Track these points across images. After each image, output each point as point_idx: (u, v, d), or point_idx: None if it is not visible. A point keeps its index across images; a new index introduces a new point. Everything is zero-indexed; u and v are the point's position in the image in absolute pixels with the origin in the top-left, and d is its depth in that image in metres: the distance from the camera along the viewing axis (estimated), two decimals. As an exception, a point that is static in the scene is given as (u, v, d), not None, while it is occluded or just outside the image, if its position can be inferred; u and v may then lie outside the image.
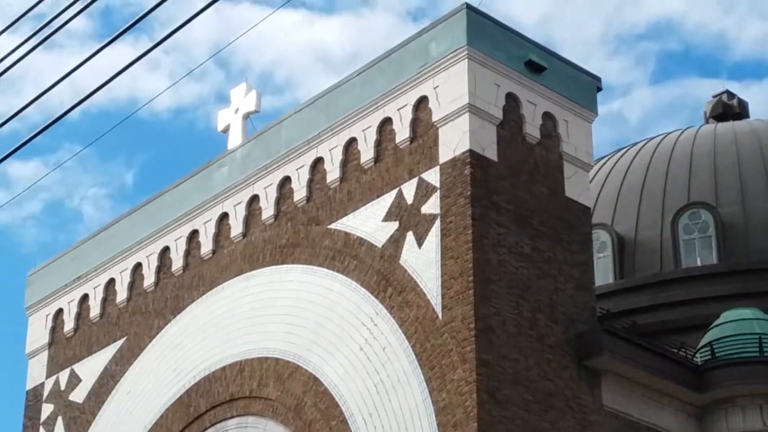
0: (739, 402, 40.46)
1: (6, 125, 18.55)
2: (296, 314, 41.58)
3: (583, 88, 41.97)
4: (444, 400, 36.20)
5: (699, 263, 48.04)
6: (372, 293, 39.37)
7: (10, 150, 18.71)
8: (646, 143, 54.42)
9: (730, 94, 59.19)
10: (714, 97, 59.35)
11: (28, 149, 18.41)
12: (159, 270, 46.86)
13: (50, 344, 50.12)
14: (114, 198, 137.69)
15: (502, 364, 36.71)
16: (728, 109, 57.72)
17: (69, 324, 49.62)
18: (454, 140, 38.49)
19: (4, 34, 18.47)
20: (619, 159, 53.18)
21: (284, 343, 41.48)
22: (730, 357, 41.42)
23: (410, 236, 38.95)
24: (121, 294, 47.91)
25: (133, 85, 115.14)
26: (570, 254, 39.98)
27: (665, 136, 54.38)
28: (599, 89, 42.99)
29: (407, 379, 37.53)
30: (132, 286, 47.66)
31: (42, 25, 17.61)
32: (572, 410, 38.00)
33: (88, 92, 17.56)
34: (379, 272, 39.41)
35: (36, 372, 50.47)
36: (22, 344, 52.33)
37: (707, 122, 57.75)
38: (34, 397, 49.97)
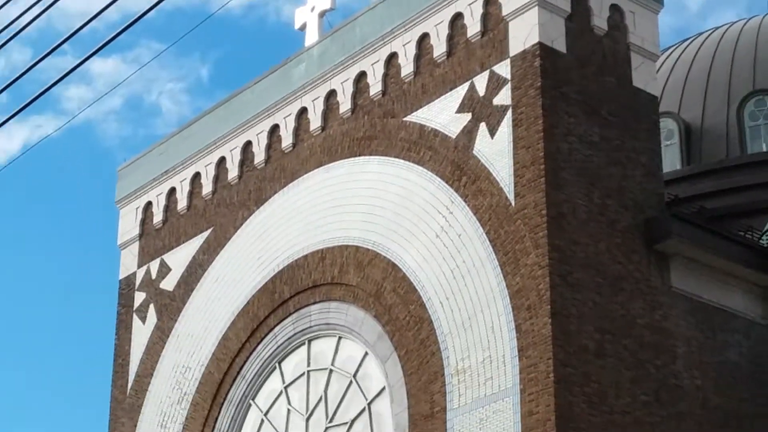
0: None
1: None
2: (374, 204, 41.80)
3: (648, -21, 41.69)
4: (518, 284, 36.41)
5: (765, 149, 47.79)
6: (447, 182, 39.52)
7: (95, 48, 18.85)
8: (711, 33, 53.96)
9: (795, -18, 58.69)
10: (779, -15, 58.82)
11: (107, 47, 18.49)
12: (242, 163, 47.21)
13: (140, 236, 50.76)
14: (190, 92, 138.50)
15: (573, 249, 36.83)
16: (792, -2, 57.25)
17: (158, 216, 50.19)
18: (524, 33, 38.39)
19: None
20: (685, 49, 52.81)
21: (363, 232, 41.75)
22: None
23: (483, 127, 38.98)
24: (207, 187, 48.36)
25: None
26: (638, 142, 39.90)
27: (730, 26, 53.97)
28: (665, -19, 42.68)
29: (482, 264, 37.73)
30: (216, 179, 48.06)
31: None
32: (642, 292, 38.12)
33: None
34: (453, 162, 39.51)
35: (128, 262, 51.17)
36: (110, 236, 53.06)
37: (770, 10, 57.21)
38: (127, 286, 50.69)
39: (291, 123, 45.61)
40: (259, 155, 46.66)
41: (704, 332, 39.29)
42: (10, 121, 19.76)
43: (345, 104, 43.85)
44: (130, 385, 48.61)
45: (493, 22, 39.51)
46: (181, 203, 49.30)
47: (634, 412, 36.72)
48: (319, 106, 44.80)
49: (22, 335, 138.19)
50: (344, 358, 41.97)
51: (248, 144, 47.15)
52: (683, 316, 38.91)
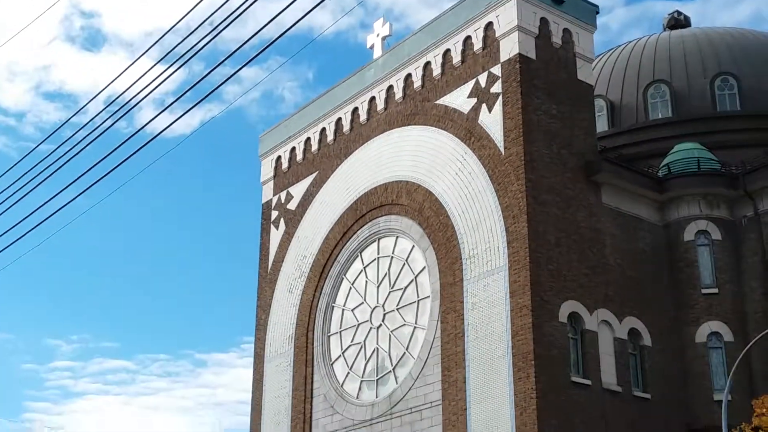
0: (685, 198, 40.51)
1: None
2: (417, 154, 42.12)
3: (587, 11, 41.56)
4: (507, 203, 36.83)
5: (660, 116, 47.55)
6: (462, 141, 39.84)
7: (250, 58, 19.10)
8: (626, 44, 53.58)
9: (679, 12, 57.86)
10: (669, 14, 58.04)
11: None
12: (336, 131, 47.50)
13: (274, 176, 51.17)
14: (302, 88, 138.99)
15: (541, 181, 37.19)
16: (678, 22, 56.48)
17: (284, 164, 50.58)
18: (509, 47, 38.61)
19: None
20: (610, 55, 52.48)
21: (410, 171, 42.09)
22: (679, 171, 41.33)
23: (484, 107, 39.24)
24: (314, 146, 48.69)
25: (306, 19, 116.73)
26: (580, 114, 40.01)
27: (638, 40, 53.49)
28: (597, 12, 42.39)
29: (484, 190, 38.11)
30: (320, 141, 48.36)
31: None
32: (584, 207, 38.42)
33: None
34: (466, 128, 39.79)
35: (267, 192, 51.65)
36: (256, 178, 53.55)
37: (664, 30, 56.53)
38: (267, 208, 51.22)
39: (365, 106, 45.85)
40: (346, 126, 46.94)
41: (623, 230, 39.50)
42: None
43: (398, 93, 44.06)
44: (269, 267, 49.31)
45: (490, 40, 39.68)
46: (299, 156, 49.66)
47: (579, 279, 37.02)
48: (383, 95, 45.00)
49: (201, 244, 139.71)
50: (400, 249, 42.49)
51: (339, 119, 47.42)
52: (610, 221, 39.12)
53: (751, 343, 32.90)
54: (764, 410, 29.00)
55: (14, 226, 22.90)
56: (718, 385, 36.53)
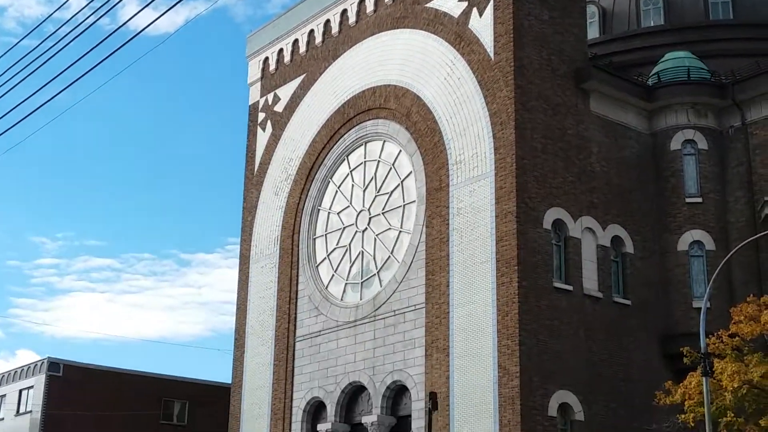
0: (673, 107, 40.44)
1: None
2: (406, 58, 41.88)
3: None
4: (495, 109, 36.79)
5: (652, 24, 47.22)
6: (452, 45, 39.59)
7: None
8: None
9: None
10: None
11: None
12: (324, 33, 47.01)
13: (261, 78, 50.82)
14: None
15: (530, 87, 37.06)
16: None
17: (272, 66, 50.21)
18: (502, -50, 37.94)
19: None
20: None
21: (399, 76, 41.90)
22: (669, 80, 41.17)
23: (474, 11, 38.84)
24: (302, 48, 48.28)
25: None
26: (572, 20, 39.71)
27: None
28: None
29: (473, 96, 38.04)
30: (308, 43, 47.91)
31: None
32: (572, 114, 38.40)
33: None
34: (456, 33, 39.49)
35: (254, 94, 51.36)
36: (243, 79, 53.11)
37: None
38: (254, 109, 50.99)
39: (355, 8, 45.28)
40: (335, 28, 46.45)
41: (610, 138, 39.55)
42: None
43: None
44: (255, 169, 49.32)
45: (482, -58, 39.00)
46: (287, 57, 49.27)
47: (564, 186, 37.22)
48: (371, 0, 44.64)
49: (187, 145, 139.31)
50: (387, 153, 42.52)
51: (328, 21, 46.90)
52: (597, 129, 39.16)
53: (732, 252, 33.22)
54: (742, 318, 29.37)
55: (-2, 123, 22.72)
56: (698, 292, 37.04)
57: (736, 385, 27.50)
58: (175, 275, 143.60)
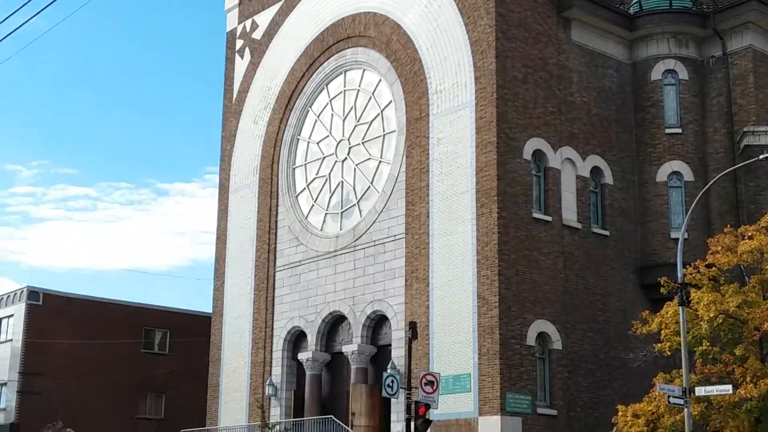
0: (654, 37, 40.23)
1: None
2: (386, -15, 41.40)
3: None
4: (476, 37, 37.03)
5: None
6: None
7: None
8: None
9: None
10: None
11: None
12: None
13: (239, 3, 50.07)
14: None
15: (510, 15, 36.96)
16: None
17: (249, -9, 49.57)
18: None
19: None
20: None
21: (379, 3, 41.52)
22: (650, 9, 40.86)
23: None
24: (280, -27, 47.64)
25: None
26: (554, -53, 39.41)
27: None
28: None
29: (453, 24, 37.95)
30: (286, -32, 47.31)
31: None
32: (553, 43, 38.36)
33: None
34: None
35: (231, 20, 50.74)
36: (221, 6, 52.35)
37: None
38: (232, 36, 50.42)
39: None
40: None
41: (590, 68, 39.48)
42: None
43: None
44: (234, 98, 49.02)
45: None
46: (264, -17, 48.68)
47: (544, 117, 37.28)
48: None
49: (165, 72, 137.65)
50: (366, 82, 42.33)
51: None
52: (578, 58, 39.07)
53: (710, 183, 33.58)
54: (719, 248, 29.65)
55: (-28, 54, 22.49)
56: (676, 223, 37.32)
57: (712, 315, 27.75)
58: (153, 204, 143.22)
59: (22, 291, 55.22)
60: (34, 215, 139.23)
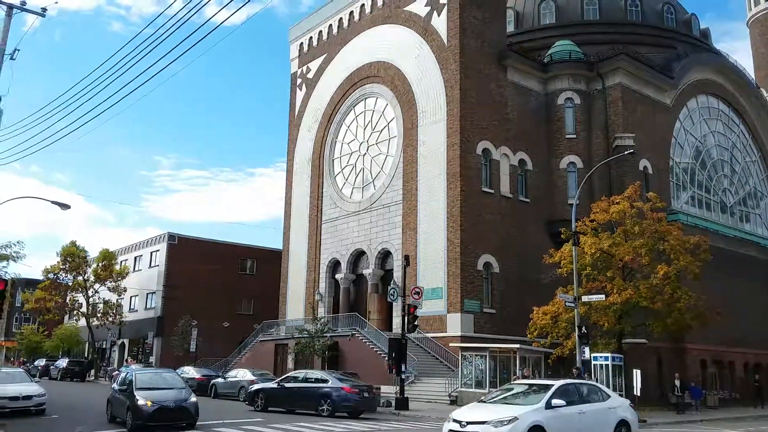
0: (559, 77, 40.11)
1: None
2: (391, 43, 40.94)
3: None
4: (447, 76, 36.29)
5: (548, 22, 46.09)
6: (420, 35, 38.71)
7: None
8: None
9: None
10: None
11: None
12: (338, 26, 45.81)
13: (299, 55, 49.54)
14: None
15: (469, 64, 36.43)
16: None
17: (305, 48, 48.91)
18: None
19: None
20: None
21: (386, 55, 41.10)
22: (557, 59, 40.36)
23: (435, 12, 37.86)
24: (324, 36, 47.04)
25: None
26: (497, 19, 38.78)
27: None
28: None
29: (433, 68, 37.54)
30: (329, 33, 46.71)
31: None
32: (495, 81, 37.77)
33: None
34: (422, 27, 38.62)
35: (294, 66, 50.08)
36: (286, 57, 51.89)
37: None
38: (294, 77, 49.67)
39: (357, 9, 44.07)
40: (345, 23, 45.21)
41: (519, 97, 38.98)
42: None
43: (379, 2, 42.33)
44: (296, 115, 48.64)
45: (440, -32, 37.58)
46: (315, 42, 47.98)
47: (490, 127, 36.84)
48: (369, 2, 43.21)
49: (253, 104, 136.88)
50: (379, 105, 41.97)
51: (341, 18, 45.63)
52: (511, 91, 38.84)
53: (593, 169, 33.43)
54: (598, 210, 29.57)
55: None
56: (571, 194, 37.14)
57: (593, 251, 27.79)
58: (245, 181, 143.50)
59: (165, 235, 55.28)
60: (172, 188, 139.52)
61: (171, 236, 54.93)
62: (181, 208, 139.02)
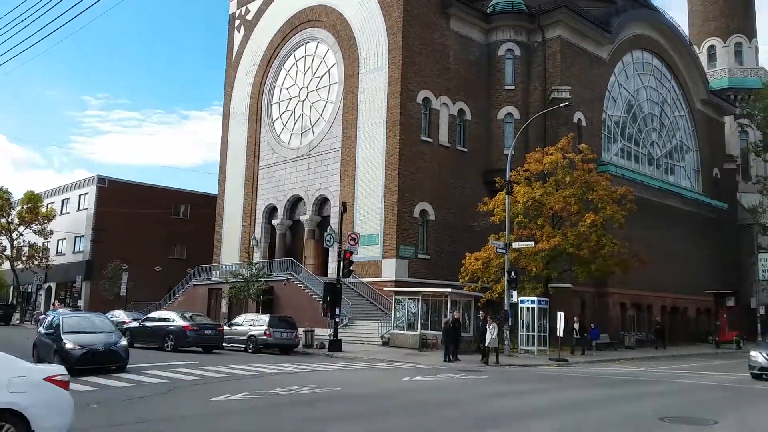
0: (501, 28, 40.13)
1: None
2: (333, -13, 40.28)
3: None
4: (390, 23, 36.06)
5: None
6: (363, -21, 38.11)
7: None
8: None
9: None
10: None
11: None
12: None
13: (237, -5, 48.21)
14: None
15: (412, 11, 36.34)
16: None
17: (244, -13, 47.65)
18: None
19: None
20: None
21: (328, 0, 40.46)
22: (499, 10, 40.42)
23: (378, -44, 37.37)
24: (264, -25, 45.80)
25: None
26: (441, -34, 38.62)
27: None
28: None
29: (376, 15, 37.21)
30: (269, -28, 45.42)
31: None
32: (438, 30, 37.79)
33: None
34: (366, -29, 37.95)
35: (232, 7, 48.63)
36: (226, -6, 50.23)
37: None
38: (232, 17, 48.08)
39: (300, -51, 42.94)
40: (286, -37, 44.14)
41: (461, 47, 39.12)
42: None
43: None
44: (233, 57, 47.47)
45: None
46: (254, -18, 46.80)
47: (431, 76, 37.05)
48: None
49: (190, 43, 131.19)
50: (319, 51, 41.54)
51: (282, -43, 44.45)
52: (454, 40, 39.02)
53: (529, 121, 34.21)
54: (532, 161, 30.41)
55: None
56: (507, 145, 37.91)
57: (525, 200, 28.72)
58: (179, 125, 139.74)
59: (94, 177, 53.81)
60: (101, 129, 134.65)
61: (101, 179, 53.54)
62: (111, 151, 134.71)
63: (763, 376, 18.83)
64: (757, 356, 19.00)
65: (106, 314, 28.54)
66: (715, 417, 11.54)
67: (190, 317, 25.42)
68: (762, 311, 42.99)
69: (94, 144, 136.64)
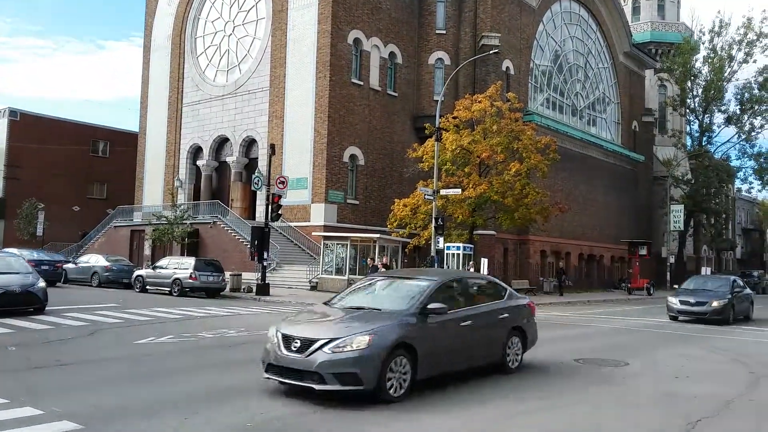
0: (434, -30, 39.30)
1: None
2: None
3: None
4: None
5: None
6: None
7: None
8: None
9: None
10: None
11: None
12: None
13: None
14: None
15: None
16: None
17: None
18: None
19: None
20: None
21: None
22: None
23: None
24: None
25: None
26: None
27: None
28: None
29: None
30: None
31: None
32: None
33: None
34: None
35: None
36: None
37: None
38: (152, -59, 45.46)
39: None
40: None
41: None
42: None
43: None
44: (154, -14, 44.84)
45: None
46: None
47: (363, 16, 36.21)
48: None
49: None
50: (247, -17, 39.57)
51: None
52: (385, -20, 37.74)
53: (459, 67, 34.12)
54: (461, 108, 30.34)
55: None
56: (438, 91, 37.91)
57: (453, 147, 28.77)
58: (95, 55, 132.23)
59: (5, 110, 50.27)
60: (7, 57, 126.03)
61: (12, 112, 50.14)
62: (21, 81, 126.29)
63: (679, 318, 21.71)
64: (674, 302, 21.82)
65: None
66: (627, 359, 12.21)
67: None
68: (672, 260, 45.45)
69: (1, 75, 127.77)
